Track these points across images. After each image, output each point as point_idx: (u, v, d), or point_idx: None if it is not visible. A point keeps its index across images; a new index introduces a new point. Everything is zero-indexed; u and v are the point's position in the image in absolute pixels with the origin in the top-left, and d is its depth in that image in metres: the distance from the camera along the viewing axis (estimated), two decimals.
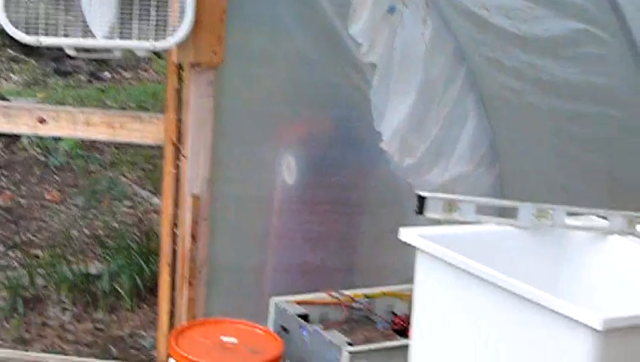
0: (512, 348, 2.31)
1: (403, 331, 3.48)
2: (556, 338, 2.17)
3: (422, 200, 2.71)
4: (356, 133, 3.79)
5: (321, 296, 3.54)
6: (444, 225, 2.83)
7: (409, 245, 2.71)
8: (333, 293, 3.55)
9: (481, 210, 2.77)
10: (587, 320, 2.06)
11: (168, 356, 3.15)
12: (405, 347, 3.20)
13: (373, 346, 3.18)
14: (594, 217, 2.89)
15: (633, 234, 2.82)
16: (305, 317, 3.38)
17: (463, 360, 2.47)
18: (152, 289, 4.43)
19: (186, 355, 3.02)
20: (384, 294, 3.66)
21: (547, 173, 3.75)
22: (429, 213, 2.71)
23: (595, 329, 2.05)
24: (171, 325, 3.57)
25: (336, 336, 3.22)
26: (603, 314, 2.05)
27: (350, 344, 3.16)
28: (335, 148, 3.79)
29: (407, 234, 2.63)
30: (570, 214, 2.84)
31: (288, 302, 3.46)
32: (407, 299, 3.68)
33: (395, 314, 3.62)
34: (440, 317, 2.55)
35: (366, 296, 3.61)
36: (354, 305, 3.57)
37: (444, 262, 2.49)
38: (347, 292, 3.57)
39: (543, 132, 3.70)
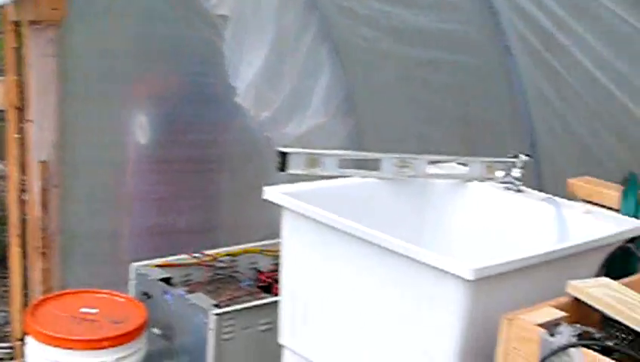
0: (384, 302, 2.29)
1: (268, 287, 3.45)
2: (427, 290, 2.17)
3: (283, 156, 2.64)
4: (211, 88, 3.68)
5: (183, 257, 3.44)
6: (306, 179, 2.79)
7: (272, 202, 2.64)
8: (195, 254, 3.47)
9: (344, 163, 2.73)
10: (457, 271, 2.06)
11: (24, 332, 2.99)
12: (272, 304, 3.17)
13: (240, 306, 3.11)
14: (454, 164, 2.91)
15: (492, 179, 2.86)
16: (167, 281, 3.28)
17: (335, 316, 2.45)
18: (2, 262, 4.19)
19: (44, 331, 2.87)
20: (247, 251, 3.61)
21: (403, 120, 3.77)
22: (292, 169, 2.65)
23: (465, 279, 2.06)
24: (25, 299, 3.39)
25: (201, 299, 3.14)
26: (472, 264, 2.05)
27: (216, 305, 3.09)
28: (189, 104, 3.67)
29: (271, 193, 2.56)
30: (432, 163, 2.84)
31: (149, 267, 3.35)
32: (270, 254, 3.65)
33: (259, 271, 3.57)
34: (309, 274, 2.51)
35: (229, 255, 3.55)
36: (217, 264, 3.50)
37: (309, 218, 2.44)
38: (209, 252, 3.50)
39: (397, 80, 3.71)
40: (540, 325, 1.99)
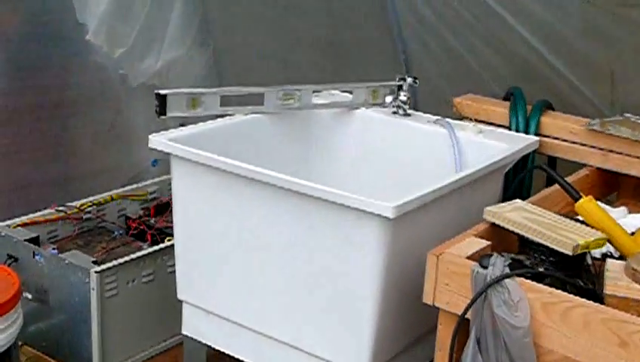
0: (296, 248, 2.17)
1: (141, 234, 3.26)
2: (345, 232, 2.06)
3: (162, 98, 2.44)
4: (56, 26, 3.35)
5: (47, 213, 3.18)
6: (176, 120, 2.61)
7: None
8: (59, 208, 3.22)
9: (226, 100, 2.55)
10: (377, 210, 1.96)
11: None
12: (154, 254, 2.99)
13: (121, 260, 2.90)
14: (338, 92, 2.80)
15: (378, 105, 2.77)
16: (35, 241, 3.03)
17: (244, 267, 2.31)
18: None
19: None
20: (113, 199, 3.38)
21: (266, 48, 3.60)
22: (172, 112, 2.45)
23: (386, 218, 1.97)
24: None
25: (78, 257, 2.91)
26: (393, 202, 1.96)
27: (95, 262, 2.88)
28: (35, 46, 3.31)
29: (158, 141, 2.35)
30: (315, 92, 2.71)
31: (11, 227, 3.07)
32: (138, 199, 3.45)
33: (128, 218, 3.37)
34: (209, 224, 2.34)
35: (94, 204, 3.32)
36: (84, 216, 3.27)
37: (204, 165, 2.26)
38: (74, 204, 3.25)
39: (257, 5, 3.52)
40: (469, 257, 1.94)
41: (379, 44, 3.25)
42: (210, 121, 2.52)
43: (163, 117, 2.46)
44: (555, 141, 2.63)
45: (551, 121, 2.65)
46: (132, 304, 2.96)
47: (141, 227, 3.30)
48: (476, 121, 2.70)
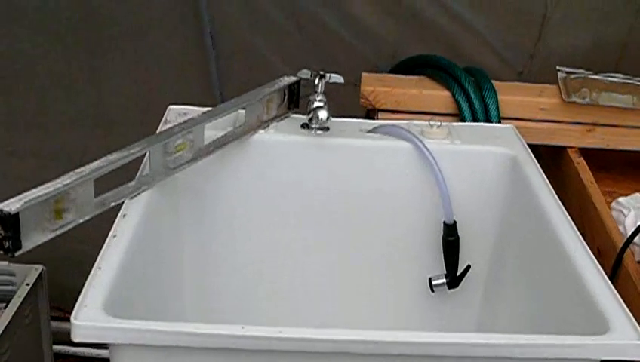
0: None
1: None
2: None
3: (11, 221, 1.23)
4: None
5: None
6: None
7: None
8: None
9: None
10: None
11: None
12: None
13: None
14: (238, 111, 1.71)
15: (274, 119, 1.78)
16: None
17: None
18: None
19: None
20: None
21: None
22: (31, 239, 1.28)
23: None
24: None
25: None
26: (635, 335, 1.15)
27: None
28: None
29: (88, 329, 1.14)
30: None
31: None
32: None
33: None
34: None
35: None
36: None
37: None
38: None
39: None
40: None
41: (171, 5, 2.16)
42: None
43: (18, 253, 1.27)
44: (521, 123, 1.94)
45: (508, 98, 1.94)
46: None
47: None
48: (409, 114, 1.88)
